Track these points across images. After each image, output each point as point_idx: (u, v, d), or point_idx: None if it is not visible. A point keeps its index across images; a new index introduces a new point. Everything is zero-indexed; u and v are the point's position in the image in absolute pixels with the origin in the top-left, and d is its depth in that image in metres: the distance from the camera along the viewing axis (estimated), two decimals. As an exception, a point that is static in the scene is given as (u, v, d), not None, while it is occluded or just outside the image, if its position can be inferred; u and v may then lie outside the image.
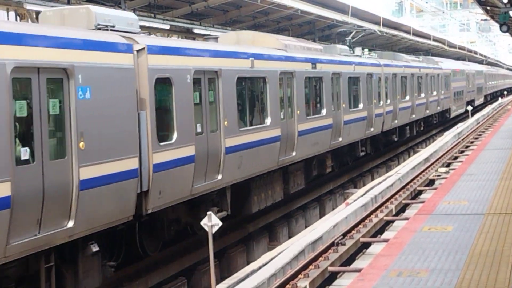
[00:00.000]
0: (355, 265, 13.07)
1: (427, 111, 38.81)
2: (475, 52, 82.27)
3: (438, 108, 42.58)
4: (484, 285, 8.05)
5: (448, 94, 46.31)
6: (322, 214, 22.12)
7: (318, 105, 21.59)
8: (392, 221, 16.45)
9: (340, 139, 23.05)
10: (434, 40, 59.24)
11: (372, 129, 27.29)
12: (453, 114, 49.13)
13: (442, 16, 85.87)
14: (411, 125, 36.08)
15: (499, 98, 78.87)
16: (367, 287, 8.22)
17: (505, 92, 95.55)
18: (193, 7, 26.02)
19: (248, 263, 16.02)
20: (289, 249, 13.66)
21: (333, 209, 21.76)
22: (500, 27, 25.78)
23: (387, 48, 51.01)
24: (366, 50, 32.40)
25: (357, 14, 37.44)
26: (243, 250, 17.22)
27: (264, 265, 12.98)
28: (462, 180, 16.00)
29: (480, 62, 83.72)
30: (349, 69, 24.85)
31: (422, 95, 37.39)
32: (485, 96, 73.45)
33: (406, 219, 14.64)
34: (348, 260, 13.69)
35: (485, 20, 64.65)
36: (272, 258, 13.33)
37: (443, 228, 11.07)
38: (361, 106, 25.91)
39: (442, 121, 46.99)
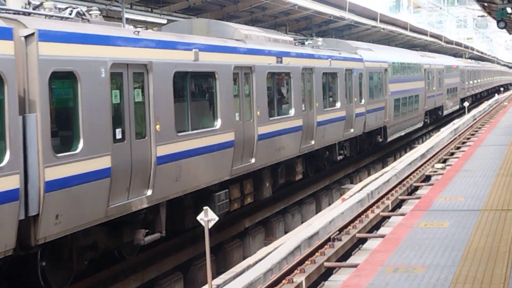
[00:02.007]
0: (351, 260, 13.07)
1: (312, 142, 20.78)
2: (472, 48, 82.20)
3: (351, 130, 24.89)
4: (480, 281, 8.06)
5: (381, 103, 29.19)
6: (318, 209, 22.14)
7: None
8: (388, 217, 16.46)
9: None
10: (431, 36, 59.23)
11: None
12: (393, 136, 31.40)
13: (439, 12, 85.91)
14: (244, 180, 17.09)
15: (495, 95, 77.73)
16: (363, 282, 8.22)
17: (502, 89, 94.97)
18: (190, 2, 25.96)
19: (244, 258, 16.03)
20: (285, 244, 13.66)
21: (330, 204, 21.77)
22: (497, 23, 25.77)
23: (385, 44, 50.57)
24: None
25: (355, 10, 37.42)
26: (239, 245, 17.22)
27: (260, 260, 12.98)
28: (459, 176, 16.01)
29: (463, 56, 73.42)
30: None
31: (291, 112, 19.38)
32: (463, 100, 54.57)
33: (402, 215, 14.66)
34: (344, 255, 13.69)
35: (482, 16, 64.70)
36: (268, 253, 13.33)
37: (439, 224, 11.08)
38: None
39: (370, 150, 29.91)
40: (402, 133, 33.69)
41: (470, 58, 76.79)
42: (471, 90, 62.19)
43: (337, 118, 23.40)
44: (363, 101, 26.60)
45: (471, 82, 62.11)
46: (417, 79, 36.87)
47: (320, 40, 25.68)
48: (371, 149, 29.96)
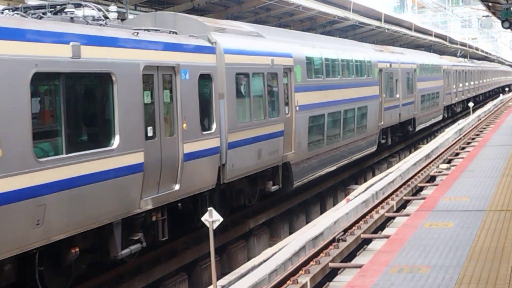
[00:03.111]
0: (356, 261, 13.07)
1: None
2: (477, 49, 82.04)
3: (176, 187, 12.91)
4: (485, 281, 8.05)
5: (275, 126, 17.35)
6: (323, 210, 22.12)
7: None
8: (393, 218, 16.44)
9: None
10: (436, 36, 59.15)
11: None
12: (307, 177, 19.91)
13: (443, 13, 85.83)
14: None
15: (500, 95, 77.28)
16: (368, 283, 8.22)
17: (507, 89, 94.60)
18: (194, 3, 26.01)
19: (249, 259, 16.03)
20: (290, 245, 13.66)
21: (334, 205, 21.76)
22: (502, 23, 25.80)
23: (389, 45, 50.35)
24: None
25: (359, 10, 37.40)
26: (244, 246, 17.21)
27: (265, 261, 12.98)
28: (463, 177, 15.99)
29: (459, 55, 66.68)
30: None
31: None
32: (448, 108, 45.61)
33: (407, 215, 14.64)
34: (349, 256, 13.69)
35: (487, 16, 64.51)
36: (273, 254, 13.32)
37: (444, 225, 11.07)
38: None
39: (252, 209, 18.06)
40: (331, 169, 21.94)
41: (470, 58, 74.78)
42: (460, 95, 50.55)
43: (98, 175, 10.66)
44: (214, 127, 14.59)
45: (460, 85, 50.45)
46: (365, 84, 25.52)
47: (112, 9, 13.11)
48: (255, 205, 17.83)
